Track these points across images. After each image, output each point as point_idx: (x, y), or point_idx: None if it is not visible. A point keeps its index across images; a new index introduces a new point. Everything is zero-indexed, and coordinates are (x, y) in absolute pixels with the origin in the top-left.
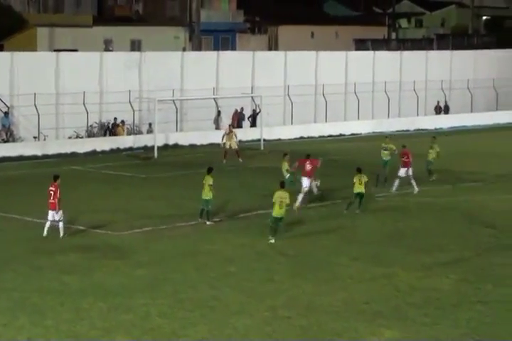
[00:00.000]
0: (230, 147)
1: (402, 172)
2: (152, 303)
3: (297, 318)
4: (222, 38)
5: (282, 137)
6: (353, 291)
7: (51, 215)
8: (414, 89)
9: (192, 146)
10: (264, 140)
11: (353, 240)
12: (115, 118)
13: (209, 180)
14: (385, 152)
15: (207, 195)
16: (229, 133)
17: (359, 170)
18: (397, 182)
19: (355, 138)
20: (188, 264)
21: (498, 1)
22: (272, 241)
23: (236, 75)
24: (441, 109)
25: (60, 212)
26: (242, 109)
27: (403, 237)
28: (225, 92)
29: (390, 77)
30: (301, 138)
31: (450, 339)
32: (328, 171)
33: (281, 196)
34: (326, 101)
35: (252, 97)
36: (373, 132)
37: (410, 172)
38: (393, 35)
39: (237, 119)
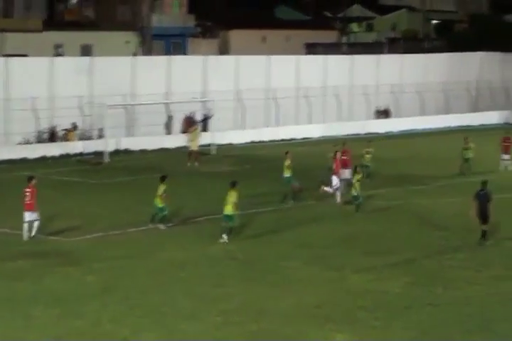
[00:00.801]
0: (193, 148)
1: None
2: (103, 309)
3: (248, 323)
4: (173, 43)
5: (234, 141)
6: (304, 295)
7: (28, 216)
8: (365, 93)
9: (143, 151)
10: (216, 144)
11: (305, 244)
12: (73, 124)
13: (161, 189)
14: (367, 156)
15: (160, 203)
16: (192, 132)
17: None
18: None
19: (306, 142)
20: (139, 270)
21: (448, 5)
22: (224, 240)
23: (187, 80)
24: (382, 113)
25: (37, 212)
26: (193, 113)
27: (354, 240)
28: (176, 97)
29: (341, 80)
30: (253, 142)
31: None
32: (280, 176)
33: (232, 195)
34: (278, 106)
35: (203, 102)
36: (324, 136)
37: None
38: (344, 39)
39: (189, 124)
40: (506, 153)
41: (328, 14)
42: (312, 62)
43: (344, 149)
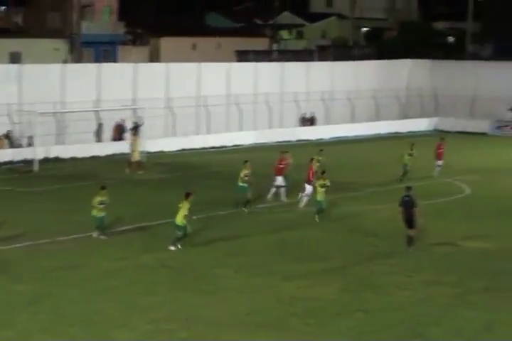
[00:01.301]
0: (136, 158)
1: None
2: (33, 319)
3: (179, 331)
4: (103, 50)
5: (164, 149)
6: (235, 302)
7: None
8: (295, 100)
9: (73, 159)
10: (147, 152)
11: (236, 251)
12: (8, 131)
13: (97, 199)
14: (245, 178)
15: (99, 213)
16: (136, 140)
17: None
18: (273, 191)
19: (237, 149)
20: (69, 279)
21: (378, 12)
22: (173, 248)
23: (118, 87)
24: (307, 121)
25: None
26: (123, 121)
27: (285, 247)
28: (106, 105)
29: (272, 88)
30: (184, 150)
31: None
32: (211, 183)
33: (184, 206)
34: (209, 113)
35: (134, 109)
36: (255, 143)
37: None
38: (275, 47)
39: (119, 132)
40: (439, 159)
41: (259, 21)
42: (243, 70)
43: (282, 157)
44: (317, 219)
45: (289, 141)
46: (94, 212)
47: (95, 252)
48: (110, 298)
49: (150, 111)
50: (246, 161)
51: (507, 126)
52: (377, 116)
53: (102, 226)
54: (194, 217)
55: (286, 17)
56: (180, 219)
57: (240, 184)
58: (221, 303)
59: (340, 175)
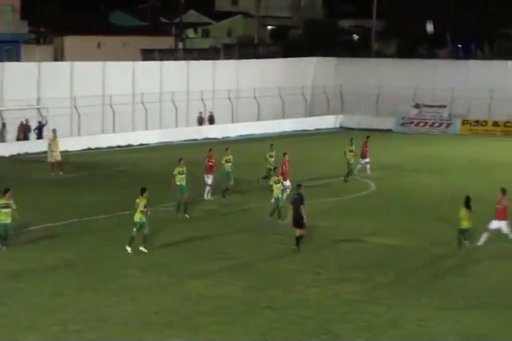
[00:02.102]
0: (56, 158)
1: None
2: None
3: (87, 331)
4: (6, 49)
5: (69, 148)
6: (142, 302)
7: None
8: (201, 99)
9: None
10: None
11: (142, 251)
12: None
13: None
14: (227, 164)
15: (2, 219)
16: (54, 140)
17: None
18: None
19: (143, 148)
20: None
21: (283, 11)
22: (129, 249)
23: (21, 87)
24: (204, 120)
25: None
26: (27, 120)
27: (192, 246)
28: (9, 104)
29: (178, 86)
30: (89, 149)
31: None
32: (118, 182)
33: (141, 202)
34: (114, 112)
35: (38, 109)
36: (161, 142)
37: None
38: (180, 45)
39: (23, 131)
40: (364, 157)
41: (164, 20)
42: (148, 68)
43: (210, 155)
44: (268, 219)
45: (195, 140)
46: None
47: (0, 254)
48: (16, 300)
49: (55, 110)
50: (227, 148)
51: (411, 122)
52: (283, 114)
53: (3, 235)
54: (149, 213)
55: (191, 15)
56: (137, 215)
57: (225, 170)
58: (128, 303)
59: (247, 173)
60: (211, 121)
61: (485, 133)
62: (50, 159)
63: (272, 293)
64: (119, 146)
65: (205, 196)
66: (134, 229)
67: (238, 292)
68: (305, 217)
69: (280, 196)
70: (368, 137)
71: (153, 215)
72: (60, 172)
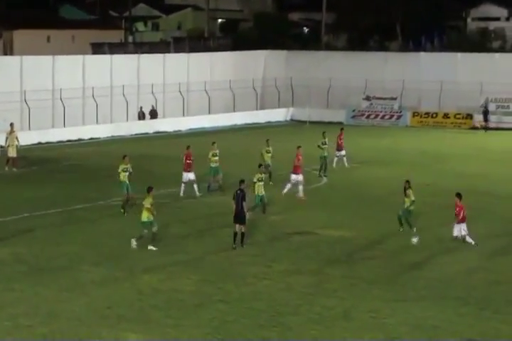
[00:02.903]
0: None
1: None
2: None
3: (39, 326)
4: None
5: (20, 143)
6: (95, 296)
7: None
8: (152, 92)
9: None
10: (1, 146)
11: (94, 245)
12: None
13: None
14: (214, 158)
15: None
16: (10, 134)
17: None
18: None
19: (94, 142)
20: None
21: (233, 4)
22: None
23: None
24: (145, 115)
25: None
26: None
27: (144, 240)
28: None
29: (128, 80)
30: (40, 143)
31: (193, 339)
32: (68, 176)
33: (147, 201)
34: (64, 106)
35: None
36: (112, 136)
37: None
38: (130, 39)
39: None
40: (340, 149)
41: (114, 13)
42: (98, 62)
43: (188, 152)
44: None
45: (146, 133)
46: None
47: None
48: None
49: (4, 104)
50: (213, 142)
51: (362, 115)
52: (234, 107)
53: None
54: (155, 212)
55: (141, 9)
56: (145, 215)
57: (212, 165)
58: (81, 298)
59: (199, 166)
60: (153, 115)
61: (435, 125)
62: (8, 154)
63: (225, 286)
64: (69, 140)
65: (181, 193)
66: (146, 231)
67: (191, 285)
68: (247, 213)
69: (263, 193)
70: (342, 129)
71: (104, 210)
72: (14, 169)
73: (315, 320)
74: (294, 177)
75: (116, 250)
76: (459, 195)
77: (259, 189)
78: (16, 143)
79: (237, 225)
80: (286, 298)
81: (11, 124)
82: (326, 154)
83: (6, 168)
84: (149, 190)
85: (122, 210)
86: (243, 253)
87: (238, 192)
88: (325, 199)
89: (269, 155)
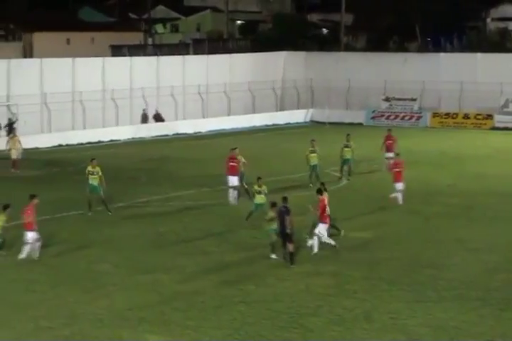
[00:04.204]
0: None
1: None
2: None
3: (60, 328)
4: None
5: (40, 145)
6: (116, 298)
7: (30, 236)
8: (172, 94)
9: None
10: (22, 149)
11: (115, 247)
12: None
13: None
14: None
15: None
16: (12, 138)
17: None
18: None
19: (114, 144)
20: None
21: (252, 5)
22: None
23: None
24: (148, 118)
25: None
26: None
27: (165, 242)
28: None
29: (148, 82)
30: (60, 145)
31: None
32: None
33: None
34: (84, 108)
35: (7, 106)
36: (132, 138)
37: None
38: (150, 41)
39: None
40: (389, 151)
41: (133, 16)
42: (118, 64)
43: (232, 154)
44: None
45: (166, 135)
46: None
47: None
48: None
49: (24, 107)
50: (235, 148)
51: (382, 115)
52: (253, 109)
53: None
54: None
55: (160, 11)
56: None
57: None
58: (102, 299)
59: (216, 168)
60: (158, 118)
61: (455, 126)
62: (12, 156)
63: (245, 288)
64: (89, 143)
65: (231, 199)
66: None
67: (211, 287)
68: (289, 230)
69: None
70: (389, 130)
71: (125, 212)
72: (12, 170)
73: (335, 322)
74: (397, 186)
75: (137, 252)
76: (320, 191)
77: (261, 200)
78: (19, 146)
79: (287, 244)
80: (307, 300)
81: (14, 129)
82: (348, 157)
83: (12, 170)
84: (5, 207)
85: (88, 210)
86: (263, 254)
87: (282, 209)
88: (345, 201)
89: (314, 155)
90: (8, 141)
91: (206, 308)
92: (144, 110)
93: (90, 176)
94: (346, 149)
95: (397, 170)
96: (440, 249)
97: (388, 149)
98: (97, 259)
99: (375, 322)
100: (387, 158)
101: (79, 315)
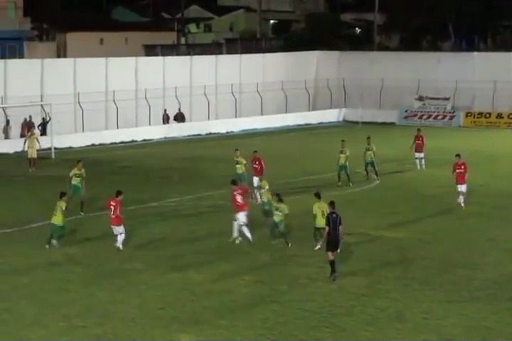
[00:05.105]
0: (31, 155)
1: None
2: None
3: (93, 327)
4: (9, 46)
5: (73, 145)
6: (148, 297)
7: (115, 230)
8: (204, 94)
9: None
10: (55, 148)
11: (146, 246)
12: None
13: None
14: (237, 166)
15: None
16: (30, 136)
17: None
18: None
19: (146, 143)
20: None
21: (285, 5)
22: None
23: (25, 83)
24: (169, 118)
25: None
26: (30, 117)
27: (196, 241)
28: (13, 101)
29: (181, 81)
30: (93, 145)
31: (246, 340)
32: (121, 178)
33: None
34: (117, 108)
35: (41, 105)
36: (165, 137)
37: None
38: (183, 40)
39: (27, 128)
40: (419, 151)
41: (166, 15)
42: (151, 64)
43: (254, 157)
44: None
45: (199, 135)
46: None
47: (4, 249)
48: (21, 296)
49: (58, 106)
50: (236, 149)
51: (415, 115)
52: (286, 108)
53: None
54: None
55: (194, 10)
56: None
57: (238, 172)
58: (134, 298)
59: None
60: (179, 119)
61: (488, 126)
62: (29, 155)
63: (278, 287)
64: (122, 142)
65: (258, 199)
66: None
67: (243, 286)
68: (341, 238)
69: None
70: (418, 130)
71: (157, 211)
72: (33, 169)
73: (368, 321)
74: (459, 187)
75: (169, 251)
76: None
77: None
78: (37, 144)
79: (333, 252)
80: (339, 299)
81: (32, 127)
82: (370, 160)
83: (30, 170)
84: (62, 195)
85: (82, 213)
86: (295, 254)
87: (333, 215)
88: (377, 200)
89: (370, 152)
90: (25, 140)
91: (238, 308)
92: (165, 110)
93: (75, 178)
94: (368, 152)
95: (459, 171)
96: (473, 248)
97: (417, 149)
98: (130, 258)
99: (407, 322)
100: (416, 158)
101: (111, 314)
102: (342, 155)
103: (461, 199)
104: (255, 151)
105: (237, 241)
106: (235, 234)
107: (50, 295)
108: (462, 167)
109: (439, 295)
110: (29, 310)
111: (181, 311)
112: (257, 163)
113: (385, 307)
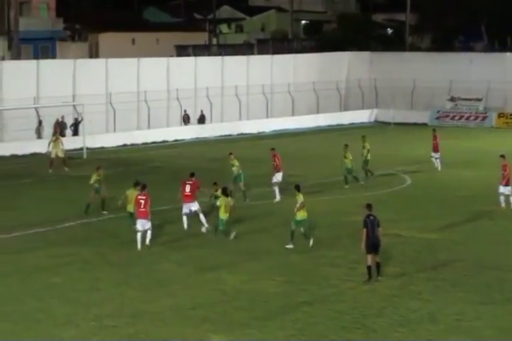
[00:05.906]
0: (56, 155)
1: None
2: None
3: (124, 327)
4: (41, 47)
5: (105, 145)
6: (179, 297)
7: (141, 224)
8: (236, 94)
9: (14, 156)
10: (87, 148)
11: (178, 246)
12: None
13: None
14: (233, 168)
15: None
16: (55, 141)
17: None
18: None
19: (178, 144)
20: (12, 277)
21: (317, 5)
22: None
23: (57, 84)
24: (190, 119)
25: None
26: (62, 117)
27: (228, 241)
28: (46, 101)
29: (212, 82)
30: (125, 145)
31: None
32: (152, 178)
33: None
34: (149, 108)
35: (73, 106)
36: (197, 138)
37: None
38: (214, 41)
39: (60, 128)
40: (436, 151)
41: (198, 16)
42: (183, 64)
43: (274, 153)
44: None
45: (230, 135)
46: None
47: (37, 249)
48: (53, 295)
49: (90, 107)
50: (230, 153)
51: (447, 116)
52: (317, 109)
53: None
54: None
55: (225, 11)
56: (300, 214)
57: (234, 173)
58: (165, 298)
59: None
60: (201, 120)
61: None
62: (53, 155)
63: (309, 288)
64: (154, 142)
65: (277, 197)
66: (297, 227)
67: (275, 287)
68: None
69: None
70: (433, 130)
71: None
72: (66, 169)
73: (399, 323)
74: (502, 189)
75: (200, 251)
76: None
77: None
78: (61, 147)
79: (371, 255)
80: (370, 300)
81: (56, 132)
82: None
83: (50, 171)
84: (136, 184)
85: (104, 211)
86: (326, 254)
87: (371, 218)
88: (409, 201)
89: (365, 151)
90: (49, 143)
91: (269, 308)
92: (185, 111)
93: (98, 182)
94: (363, 151)
95: (503, 172)
96: (506, 250)
97: (434, 149)
98: (161, 258)
99: (439, 323)
100: (432, 157)
101: (142, 313)
102: (347, 160)
103: (501, 199)
104: (273, 149)
105: (204, 230)
106: (185, 225)
107: (82, 294)
108: (505, 168)
109: (471, 297)
110: (61, 310)
111: (212, 311)
112: (275, 159)
113: (417, 309)
